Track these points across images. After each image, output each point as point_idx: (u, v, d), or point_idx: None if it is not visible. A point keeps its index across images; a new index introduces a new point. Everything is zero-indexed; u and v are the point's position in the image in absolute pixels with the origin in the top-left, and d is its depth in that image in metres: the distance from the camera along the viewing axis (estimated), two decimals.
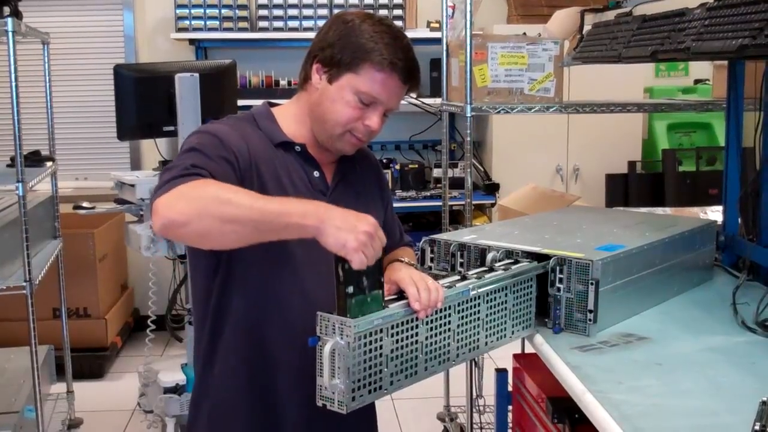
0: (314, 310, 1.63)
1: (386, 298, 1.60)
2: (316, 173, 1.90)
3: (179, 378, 3.52)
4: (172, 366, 3.63)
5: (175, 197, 1.57)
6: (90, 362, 4.76)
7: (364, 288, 1.54)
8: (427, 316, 1.63)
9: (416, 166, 5.63)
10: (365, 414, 1.95)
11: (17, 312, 3.41)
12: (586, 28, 2.93)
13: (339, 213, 1.56)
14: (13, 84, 2.98)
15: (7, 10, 3.24)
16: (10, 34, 2.91)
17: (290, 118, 1.92)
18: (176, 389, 3.50)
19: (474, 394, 3.33)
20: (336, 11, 5.24)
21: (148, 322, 3.77)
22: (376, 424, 2.07)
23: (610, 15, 2.72)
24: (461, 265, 2.09)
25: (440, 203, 3.94)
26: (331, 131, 1.85)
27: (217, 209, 1.55)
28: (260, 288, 1.84)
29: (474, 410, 3.39)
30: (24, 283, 3.05)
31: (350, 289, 1.52)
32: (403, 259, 1.88)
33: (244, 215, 1.55)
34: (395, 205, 5.64)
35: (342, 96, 1.81)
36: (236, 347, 1.87)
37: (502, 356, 2.35)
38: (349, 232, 1.51)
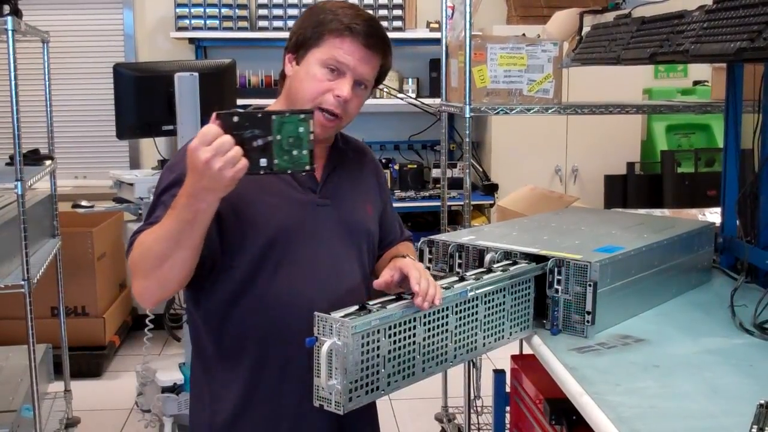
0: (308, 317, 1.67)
1: (385, 299, 1.60)
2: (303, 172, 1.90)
3: (177, 377, 3.52)
4: (170, 365, 3.63)
5: (132, 272, 1.71)
6: (88, 361, 4.75)
7: (266, 143, 1.51)
8: (424, 312, 1.62)
9: (415, 166, 5.64)
10: (367, 415, 1.96)
11: (15, 310, 3.41)
12: (585, 29, 2.93)
13: (192, 179, 1.53)
14: (13, 83, 2.97)
15: (7, 8, 3.24)
16: (10, 32, 2.91)
17: None
18: (174, 388, 3.51)
19: (472, 394, 3.33)
20: None
21: (147, 321, 3.77)
22: (377, 425, 2.07)
23: (609, 16, 2.72)
24: (459, 266, 2.09)
25: (439, 203, 3.94)
26: (302, 106, 1.82)
27: (148, 264, 1.66)
28: (253, 295, 1.84)
29: (472, 411, 3.40)
30: (22, 282, 3.05)
31: (263, 163, 1.51)
32: (406, 256, 1.89)
33: (162, 249, 1.62)
34: (394, 205, 5.64)
35: (308, 71, 1.82)
36: (233, 352, 1.88)
37: (500, 357, 2.35)
38: (210, 179, 1.50)
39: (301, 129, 1.53)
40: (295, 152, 1.52)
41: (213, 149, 1.47)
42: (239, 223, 1.79)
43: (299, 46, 1.85)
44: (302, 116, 1.54)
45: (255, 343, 1.85)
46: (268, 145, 1.51)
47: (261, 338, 1.84)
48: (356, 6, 1.89)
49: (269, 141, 1.50)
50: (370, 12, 1.92)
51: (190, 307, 1.94)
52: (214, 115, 1.52)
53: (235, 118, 1.49)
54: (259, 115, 1.51)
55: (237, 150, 1.48)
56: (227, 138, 1.48)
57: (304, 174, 1.82)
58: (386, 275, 1.74)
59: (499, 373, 2.67)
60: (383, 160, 5.70)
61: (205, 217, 1.59)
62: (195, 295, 1.89)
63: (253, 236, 1.80)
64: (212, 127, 1.49)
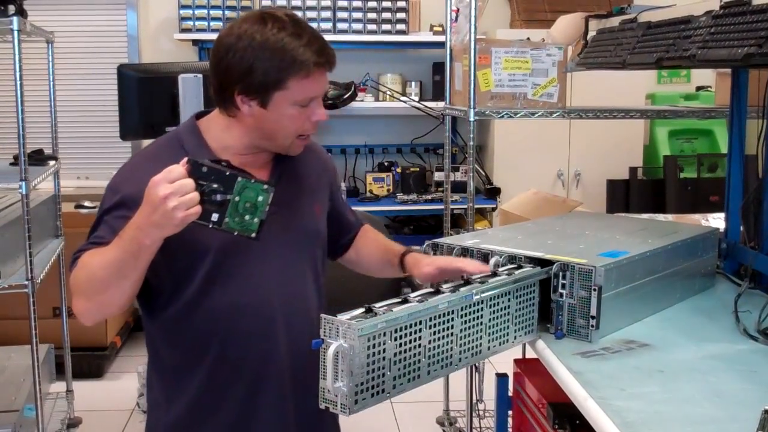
0: (265, 331, 1.86)
1: (391, 302, 1.61)
2: None
3: None
4: None
5: (72, 287, 1.75)
6: (89, 362, 4.75)
7: (223, 199, 1.57)
8: (429, 315, 1.64)
9: (417, 169, 5.65)
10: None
11: (17, 310, 3.41)
12: (591, 33, 2.93)
13: (144, 212, 1.58)
14: (18, 83, 2.98)
15: (12, 8, 3.24)
16: (15, 33, 2.92)
17: (218, 130, 1.88)
18: None
19: (474, 398, 3.34)
20: (339, 14, 5.28)
21: None
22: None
23: (615, 21, 2.72)
24: None
25: (441, 206, 3.95)
26: (283, 143, 1.86)
27: (91, 288, 1.70)
28: (201, 319, 1.87)
29: (474, 415, 3.40)
30: (26, 282, 3.05)
31: (214, 218, 1.57)
32: (412, 249, 1.99)
33: (106, 276, 1.67)
34: (396, 208, 5.67)
35: (283, 113, 1.80)
36: (189, 372, 1.93)
37: (502, 361, 2.35)
38: (161, 217, 1.55)
39: (260, 198, 1.59)
40: (247, 217, 1.59)
41: (173, 188, 1.53)
42: (186, 241, 1.76)
43: (259, 91, 1.77)
44: (265, 187, 1.60)
45: (208, 353, 1.88)
46: (225, 203, 1.57)
47: (214, 348, 1.88)
48: (299, 27, 1.78)
49: (227, 199, 1.57)
50: (255, 11, 1.86)
51: (144, 318, 1.97)
52: (186, 158, 1.58)
53: (204, 168, 1.57)
54: (227, 173, 1.58)
55: (194, 196, 1.55)
56: (189, 182, 1.55)
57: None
58: (427, 270, 1.95)
59: (501, 377, 2.67)
60: (386, 163, 5.71)
61: (149, 252, 1.63)
62: (149, 309, 1.92)
63: (201, 253, 1.82)
64: (180, 168, 1.56)
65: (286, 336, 1.91)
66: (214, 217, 1.56)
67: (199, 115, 1.96)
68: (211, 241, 1.80)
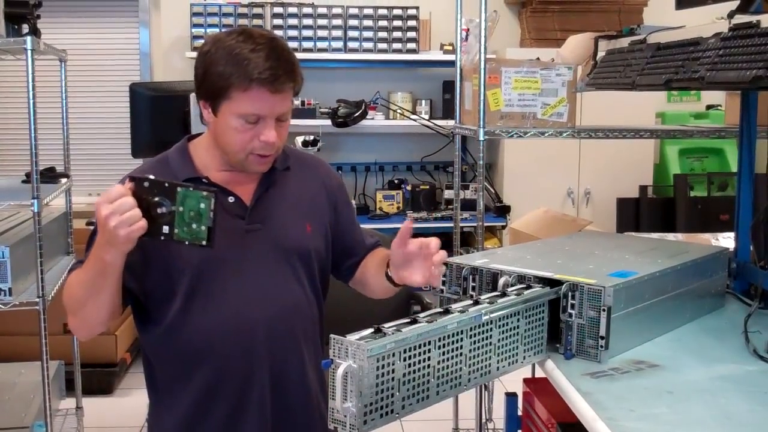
0: (245, 347, 1.88)
1: (400, 322, 1.61)
2: (230, 199, 1.91)
3: None
4: None
5: (66, 309, 1.83)
6: (99, 378, 4.75)
7: (168, 211, 1.61)
8: (439, 335, 1.63)
9: (427, 187, 5.66)
10: None
11: (28, 326, 3.42)
12: (600, 54, 2.94)
13: (99, 233, 1.64)
14: (31, 101, 2.99)
15: (26, 27, 3.28)
16: (29, 52, 2.94)
17: (203, 149, 1.94)
18: None
19: (483, 417, 3.33)
20: (350, 33, 5.31)
21: None
22: None
23: (624, 42, 2.73)
24: (473, 288, 2.09)
25: (450, 224, 3.95)
26: (235, 158, 1.87)
27: (73, 305, 1.80)
28: (185, 335, 1.90)
29: None
30: (37, 299, 3.06)
31: (165, 230, 1.61)
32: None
33: (83, 295, 1.75)
34: None
35: (228, 124, 1.82)
36: (171, 392, 1.97)
37: (512, 380, 2.35)
38: (108, 237, 1.61)
39: (202, 205, 1.62)
40: (194, 225, 1.61)
41: (113, 207, 1.58)
42: (164, 259, 1.84)
43: (209, 97, 1.82)
44: (204, 194, 1.63)
45: (192, 373, 1.91)
46: (172, 215, 1.61)
47: (197, 367, 1.91)
48: (255, 40, 1.79)
49: (172, 210, 1.61)
50: (231, 29, 1.89)
51: (139, 337, 2.01)
52: (128, 177, 1.65)
53: (146, 183, 1.61)
54: (166, 185, 1.61)
55: (135, 212, 1.59)
56: (128, 200, 1.59)
57: (232, 201, 1.91)
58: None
59: (511, 396, 2.67)
60: (396, 181, 5.72)
61: (113, 268, 1.69)
62: (140, 326, 1.97)
63: (179, 271, 1.85)
64: (120, 187, 1.61)
65: (268, 355, 1.91)
66: (165, 229, 1.60)
67: (191, 138, 2.00)
68: (189, 259, 1.83)
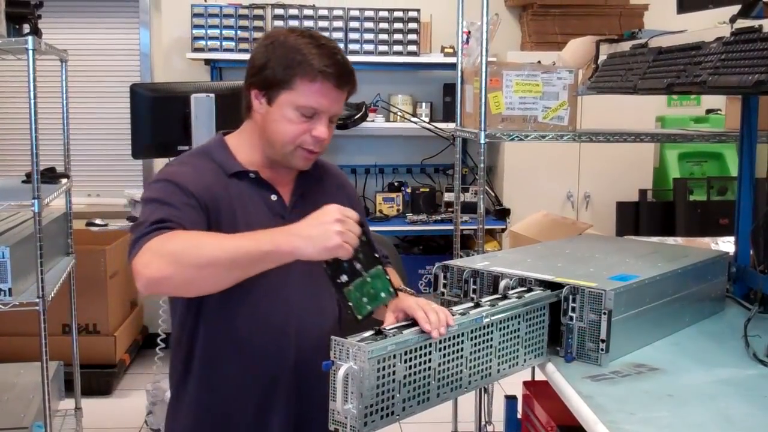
0: (279, 344, 1.85)
1: (401, 324, 1.62)
2: (273, 197, 1.93)
3: None
4: None
5: (150, 256, 1.63)
6: (98, 379, 4.76)
7: (360, 270, 1.57)
8: (441, 336, 1.63)
9: (427, 189, 5.65)
10: None
11: (27, 327, 3.42)
12: (601, 57, 2.95)
13: (303, 224, 1.61)
14: (32, 102, 2.99)
15: (27, 27, 3.28)
16: (30, 52, 2.94)
17: (242, 145, 1.95)
18: None
19: (483, 420, 3.33)
20: (351, 35, 5.31)
21: (158, 340, 3.78)
22: None
23: (626, 45, 2.73)
24: (474, 291, 2.10)
25: (450, 227, 3.95)
26: (282, 150, 1.88)
27: (192, 258, 1.61)
28: (223, 323, 1.89)
29: None
30: (37, 300, 3.06)
31: (344, 278, 1.56)
32: (402, 288, 1.89)
33: (219, 257, 1.61)
34: (405, 228, 5.65)
35: (283, 114, 1.84)
36: (203, 379, 1.93)
37: (511, 383, 2.34)
38: (322, 234, 1.56)
39: (382, 294, 1.61)
40: (364, 299, 1.59)
41: (346, 219, 1.58)
42: None
43: (267, 85, 1.85)
44: (391, 289, 1.64)
45: (219, 376, 1.91)
46: (357, 275, 1.58)
47: (223, 372, 1.91)
48: (321, 40, 1.86)
49: (362, 274, 1.58)
50: (295, 26, 1.92)
51: (173, 331, 1.98)
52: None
53: (364, 238, 1.62)
54: (375, 255, 1.61)
55: (356, 239, 1.58)
56: (358, 228, 1.60)
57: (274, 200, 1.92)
58: (391, 318, 1.72)
59: (510, 399, 2.67)
60: (395, 183, 5.72)
61: (275, 258, 1.62)
62: (179, 325, 1.94)
63: None
64: (356, 215, 1.63)
65: (296, 354, 1.92)
66: (343, 278, 1.56)
67: (225, 134, 2.00)
68: None
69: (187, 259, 1.61)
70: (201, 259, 1.61)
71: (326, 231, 1.56)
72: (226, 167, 1.90)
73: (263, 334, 1.89)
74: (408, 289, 1.91)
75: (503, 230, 5.30)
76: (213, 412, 1.93)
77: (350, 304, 1.57)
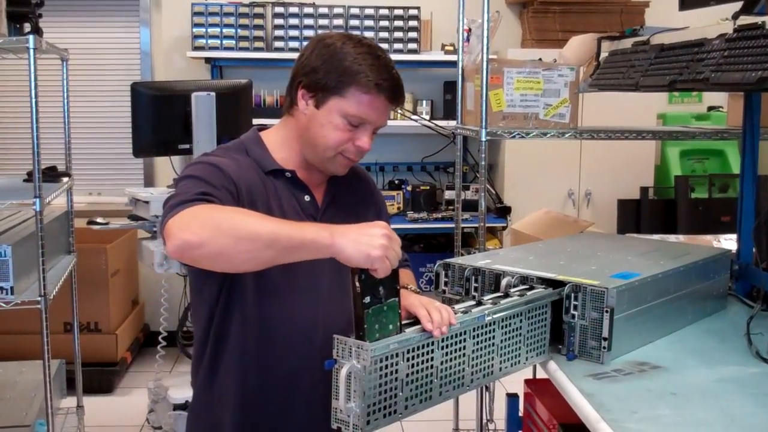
0: (308, 338, 1.83)
1: (403, 322, 1.61)
2: (306, 197, 1.94)
3: (189, 395, 3.49)
4: (182, 382, 3.62)
5: (188, 218, 1.59)
6: (99, 377, 4.76)
7: (381, 297, 1.55)
8: (443, 335, 1.63)
9: (428, 187, 5.65)
10: None
11: (29, 325, 3.42)
12: (603, 55, 2.94)
13: (351, 227, 1.59)
14: (33, 100, 2.99)
15: (28, 26, 3.28)
16: (31, 50, 2.94)
17: (279, 143, 1.95)
18: (185, 406, 3.50)
19: (484, 418, 3.33)
20: (351, 32, 5.31)
21: (159, 338, 3.77)
22: None
23: (627, 43, 2.72)
24: (475, 289, 2.09)
25: (451, 225, 3.95)
26: (322, 155, 1.88)
27: (233, 228, 1.56)
28: (255, 316, 1.88)
29: None
30: (39, 298, 3.06)
31: (367, 299, 1.53)
32: (407, 287, 1.89)
33: (259, 234, 1.56)
34: (406, 226, 5.65)
35: (330, 120, 1.84)
36: (233, 373, 1.92)
37: (513, 381, 2.34)
38: (367, 242, 1.54)
39: (391, 326, 1.57)
40: (376, 326, 1.55)
41: (394, 238, 1.58)
42: None
43: (319, 88, 1.84)
44: (399, 324, 1.60)
45: (252, 370, 1.90)
46: (377, 303, 1.55)
47: (258, 364, 1.90)
48: (374, 51, 1.86)
49: (381, 302, 1.56)
50: (351, 33, 1.92)
51: (197, 326, 1.97)
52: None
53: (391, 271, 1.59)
54: (397, 287, 1.60)
55: (397, 257, 1.57)
56: (401, 253, 1.60)
57: (308, 201, 1.94)
58: None
59: (512, 397, 2.66)
60: (396, 181, 5.72)
61: (311, 250, 1.59)
62: (205, 318, 1.93)
63: None
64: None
65: (320, 353, 1.90)
66: (367, 299, 1.54)
67: (260, 129, 2.01)
68: None
69: (227, 228, 1.56)
70: (241, 231, 1.56)
71: (372, 240, 1.54)
72: (263, 164, 1.90)
73: (292, 326, 1.88)
74: (412, 287, 1.92)
75: (504, 228, 5.29)
76: (245, 404, 1.92)
77: (365, 326, 1.56)
